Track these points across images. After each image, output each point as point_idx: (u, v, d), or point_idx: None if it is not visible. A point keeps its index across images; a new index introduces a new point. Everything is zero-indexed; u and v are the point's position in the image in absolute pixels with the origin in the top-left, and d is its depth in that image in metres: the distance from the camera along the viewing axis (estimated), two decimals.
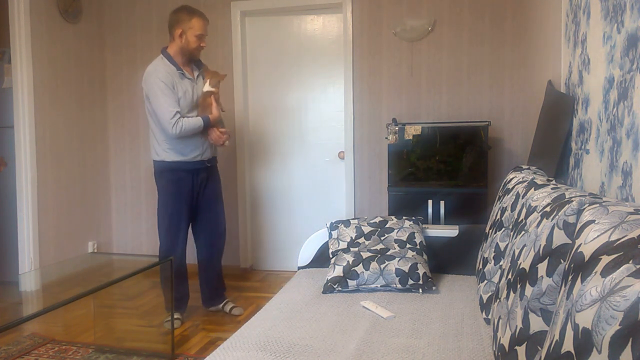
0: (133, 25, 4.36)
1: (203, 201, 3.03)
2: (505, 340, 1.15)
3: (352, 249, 2.12)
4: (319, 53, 4.05)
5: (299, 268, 2.42)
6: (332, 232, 2.27)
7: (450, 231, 2.33)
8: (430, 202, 3.20)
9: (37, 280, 2.82)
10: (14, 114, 3.66)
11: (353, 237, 2.19)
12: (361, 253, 2.07)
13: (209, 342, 2.77)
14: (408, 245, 2.13)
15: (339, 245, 2.18)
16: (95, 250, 4.27)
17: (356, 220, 2.27)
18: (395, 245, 2.13)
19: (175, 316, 2.94)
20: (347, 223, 2.27)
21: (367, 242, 2.16)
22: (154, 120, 2.90)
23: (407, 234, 2.18)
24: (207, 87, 2.90)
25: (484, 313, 1.62)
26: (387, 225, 2.23)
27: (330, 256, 2.16)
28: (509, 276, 1.26)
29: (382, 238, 2.16)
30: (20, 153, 3.66)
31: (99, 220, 4.36)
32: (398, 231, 2.19)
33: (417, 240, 2.16)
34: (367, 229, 2.22)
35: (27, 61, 3.64)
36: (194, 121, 2.82)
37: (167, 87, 2.80)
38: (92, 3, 4.27)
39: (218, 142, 2.95)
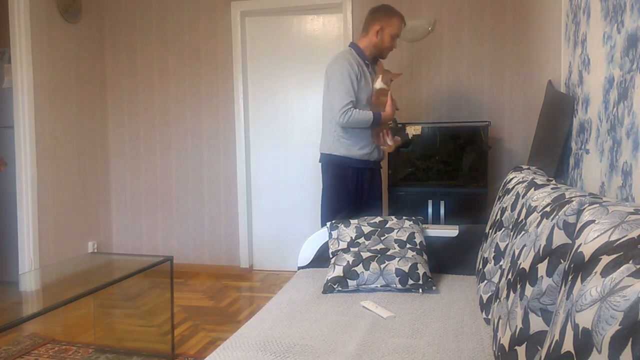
0: (133, 25, 4.36)
1: (363, 204, 2.86)
2: (505, 340, 1.15)
3: (352, 249, 2.12)
4: (319, 53, 4.05)
5: (299, 268, 2.42)
6: (332, 232, 2.27)
7: (450, 231, 2.33)
8: (430, 202, 3.20)
9: (37, 280, 2.82)
10: (14, 114, 3.66)
11: (353, 237, 2.19)
12: (361, 253, 2.07)
13: (209, 342, 2.77)
14: (408, 245, 2.13)
15: (339, 245, 2.18)
16: (95, 250, 4.27)
17: (356, 220, 2.27)
18: (395, 245, 2.12)
19: None
20: (347, 223, 2.27)
21: (367, 242, 2.16)
22: (328, 109, 2.77)
23: (407, 234, 2.17)
24: (379, 84, 2.77)
25: (484, 313, 1.62)
26: (387, 225, 2.23)
27: (330, 256, 2.16)
28: (509, 276, 1.26)
29: (382, 238, 2.16)
30: (20, 153, 3.66)
31: (99, 220, 4.36)
32: (398, 231, 2.19)
33: (417, 240, 2.16)
34: (367, 229, 2.22)
35: (27, 61, 3.64)
36: (365, 114, 2.68)
37: (349, 74, 2.66)
38: (92, 3, 4.28)
39: (380, 141, 2.81)
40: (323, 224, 2.78)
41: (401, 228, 2.21)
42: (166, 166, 4.37)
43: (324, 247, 2.39)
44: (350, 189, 2.80)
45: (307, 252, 2.44)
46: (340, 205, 2.79)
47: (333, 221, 2.34)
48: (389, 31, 2.78)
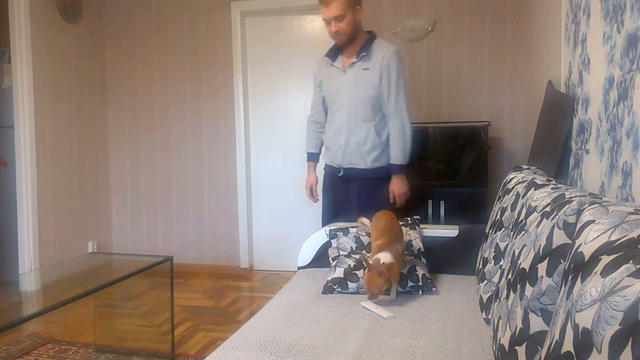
0: (133, 25, 4.36)
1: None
2: (505, 340, 1.15)
3: (353, 256, 2.11)
4: (319, 53, 4.04)
5: (299, 268, 2.41)
6: (332, 240, 2.25)
7: (450, 231, 2.33)
8: (430, 202, 3.19)
9: (37, 280, 2.82)
10: (14, 114, 3.66)
11: (353, 248, 2.16)
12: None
13: (209, 342, 2.77)
14: (406, 253, 2.09)
15: (339, 253, 2.17)
16: (95, 250, 4.27)
17: (355, 230, 2.25)
18: None
19: None
20: (345, 231, 2.24)
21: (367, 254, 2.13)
22: None
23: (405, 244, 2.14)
24: (387, 257, 1.78)
25: (484, 313, 1.62)
26: None
27: (331, 261, 2.15)
28: (509, 276, 1.26)
29: None
30: (20, 153, 3.66)
31: (99, 220, 4.36)
32: None
33: (415, 247, 2.13)
34: (366, 240, 2.19)
35: (27, 61, 3.64)
36: (307, 139, 2.97)
37: (315, 83, 2.77)
38: (92, 3, 4.28)
39: None
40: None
41: None
42: (166, 166, 4.37)
43: (324, 247, 2.38)
44: (331, 195, 2.66)
45: (307, 252, 2.44)
46: (326, 215, 2.66)
47: (332, 228, 2.31)
48: (323, 16, 2.58)
